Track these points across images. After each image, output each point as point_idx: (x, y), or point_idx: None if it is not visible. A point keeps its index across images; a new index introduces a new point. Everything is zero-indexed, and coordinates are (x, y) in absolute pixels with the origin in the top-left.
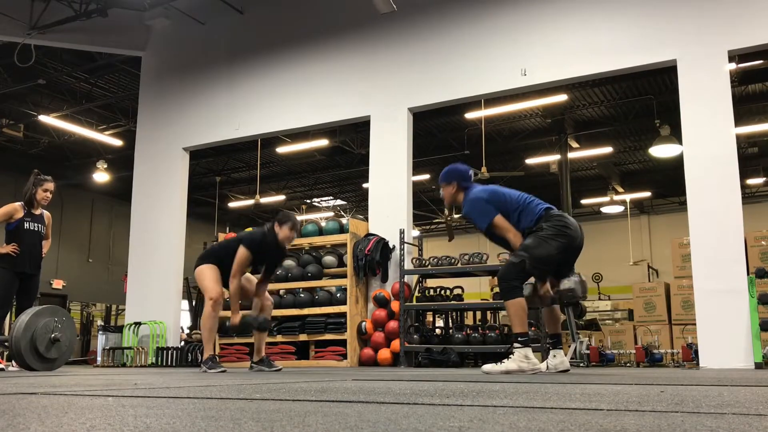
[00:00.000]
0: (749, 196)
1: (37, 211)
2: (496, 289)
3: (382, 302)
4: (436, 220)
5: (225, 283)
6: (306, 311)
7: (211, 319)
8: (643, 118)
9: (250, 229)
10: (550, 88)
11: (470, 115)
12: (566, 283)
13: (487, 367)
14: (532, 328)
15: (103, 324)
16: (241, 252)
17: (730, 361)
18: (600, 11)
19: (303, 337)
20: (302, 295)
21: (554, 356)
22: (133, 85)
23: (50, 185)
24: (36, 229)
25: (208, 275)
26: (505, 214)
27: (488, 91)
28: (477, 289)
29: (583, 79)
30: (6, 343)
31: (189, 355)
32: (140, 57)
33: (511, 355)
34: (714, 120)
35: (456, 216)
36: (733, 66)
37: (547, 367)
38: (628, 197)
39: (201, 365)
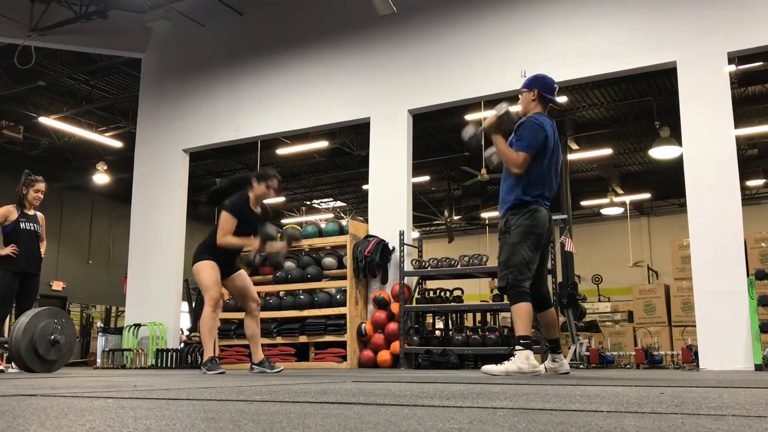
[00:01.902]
0: (749, 198)
1: (30, 212)
2: (496, 291)
3: (381, 304)
4: (436, 222)
5: (224, 276)
6: (306, 313)
7: (210, 320)
8: (642, 119)
9: None
10: None
11: (470, 117)
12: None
13: (488, 367)
14: (533, 331)
15: (102, 326)
16: (224, 216)
17: (730, 363)
18: (600, 13)
19: (303, 339)
20: (302, 297)
21: (554, 360)
22: (133, 86)
23: (41, 185)
24: (32, 229)
25: (206, 273)
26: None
27: (488, 93)
28: (477, 291)
29: (583, 80)
30: (6, 345)
31: (189, 356)
32: (140, 59)
33: (512, 357)
34: (714, 121)
35: (456, 217)
36: (732, 68)
37: (546, 369)
38: (627, 199)
39: (201, 367)
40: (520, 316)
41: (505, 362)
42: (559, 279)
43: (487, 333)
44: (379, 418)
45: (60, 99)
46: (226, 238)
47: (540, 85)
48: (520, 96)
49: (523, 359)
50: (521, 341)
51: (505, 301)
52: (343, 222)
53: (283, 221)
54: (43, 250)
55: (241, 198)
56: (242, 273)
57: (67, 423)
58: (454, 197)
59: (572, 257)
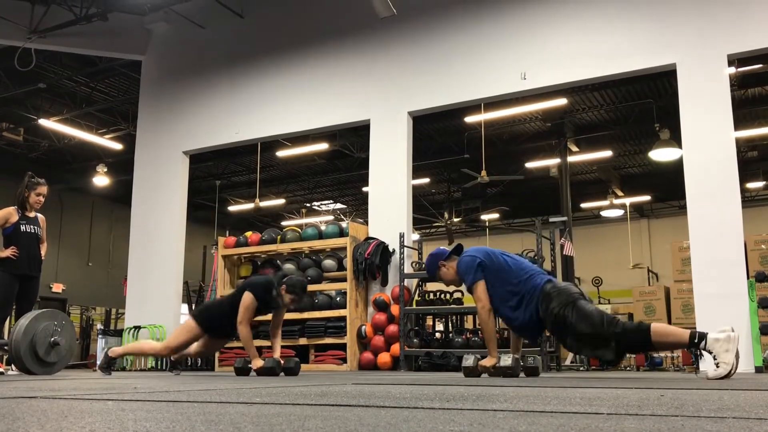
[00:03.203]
0: (749, 200)
1: (31, 214)
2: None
3: (381, 306)
4: (436, 224)
5: (208, 344)
6: (306, 315)
7: (156, 353)
8: (642, 121)
9: (247, 270)
10: (550, 92)
11: (470, 119)
12: (506, 360)
13: (713, 373)
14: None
15: (102, 328)
16: (247, 297)
17: None
18: (600, 15)
19: (303, 341)
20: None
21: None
22: (133, 88)
23: (43, 189)
24: (32, 231)
25: (184, 332)
26: (500, 278)
27: (488, 95)
28: None
29: (583, 83)
30: (5, 347)
31: (188, 359)
32: (140, 61)
33: (714, 362)
34: (714, 124)
35: (456, 219)
36: (732, 70)
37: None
38: (627, 201)
39: (99, 368)
40: (661, 334)
41: (716, 366)
42: (560, 281)
43: None
44: (379, 420)
45: (60, 101)
46: (243, 328)
47: (442, 257)
48: (442, 273)
49: (723, 345)
50: (695, 341)
51: None
52: (343, 224)
53: (284, 223)
54: (43, 252)
55: (266, 291)
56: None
57: (67, 425)
58: (454, 199)
59: (572, 260)
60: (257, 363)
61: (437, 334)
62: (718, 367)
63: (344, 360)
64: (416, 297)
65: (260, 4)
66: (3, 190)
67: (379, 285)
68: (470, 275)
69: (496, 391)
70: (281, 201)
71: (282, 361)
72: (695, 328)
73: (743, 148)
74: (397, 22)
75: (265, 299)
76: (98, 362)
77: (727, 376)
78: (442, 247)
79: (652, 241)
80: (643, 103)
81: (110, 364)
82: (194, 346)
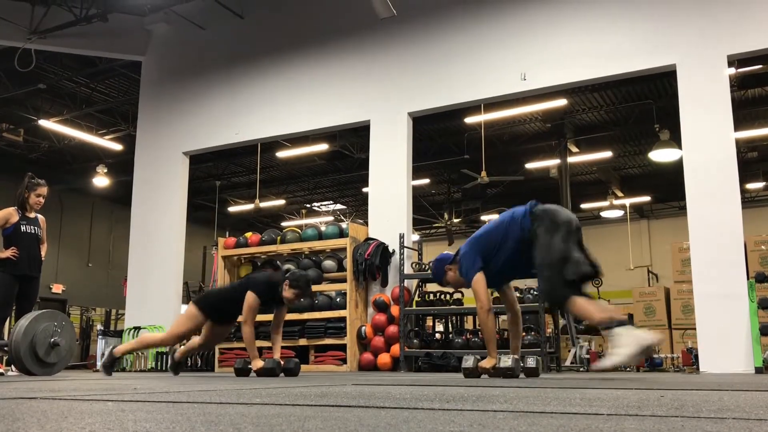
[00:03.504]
0: (749, 201)
1: (32, 215)
2: (496, 294)
3: (381, 307)
4: (436, 225)
5: (211, 333)
6: (306, 316)
7: (161, 342)
8: (642, 122)
9: (247, 269)
10: (549, 93)
11: (470, 120)
12: (506, 361)
13: (602, 363)
14: (533, 333)
15: (102, 328)
16: (250, 297)
17: (731, 366)
18: (600, 16)
19: (303, 342)
20: (302, 300)
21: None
22: (133, 89)
23: (43, 189)
24: (33, 232)
25: (187, 319)
26: (492, 245)
27: (488, 96)
28: None
29: (583, 83)
30: (5, 348)
31: (188, 359)
32: (140, 62)
33: (615, 342)
34: (714, 124)
35: (456, 220)
36: (732, 70)
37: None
38: (627, 202)
39: (101, 366)
40: (583, 307)
41: (611, 352)
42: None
43: None
44: (379, 421)
45: (60, 102)
46: (247, 328)
47: (446, 261)
48: (449, 277)
49: (627, 337)
50: (611, 324)
51: (502, 304)
52: (343, 225)
53: (283, 224)
54: (43, 252)
55: (270, 289)
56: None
57: (66, 426)
58: (454, 200)
59: None
60: (257, 364)
61: (437, 335)
62: (609, 356)
63: (344, 361)
64: (416, 298)
65: (260, 5)
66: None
67: (379, 286)
68: (471, 271)
69: (496, 392)
70: (281, 202)
71: (282, 362)
72: (695, 329)
73: (743, 148)
74: (397, 23)
75: (268, 298)
76: (101, 361)
77: (612, 369)
78: (446, 252)
79: (652, 241)
80: (643, 104)
81: (113, 364)
82: (198, 338)
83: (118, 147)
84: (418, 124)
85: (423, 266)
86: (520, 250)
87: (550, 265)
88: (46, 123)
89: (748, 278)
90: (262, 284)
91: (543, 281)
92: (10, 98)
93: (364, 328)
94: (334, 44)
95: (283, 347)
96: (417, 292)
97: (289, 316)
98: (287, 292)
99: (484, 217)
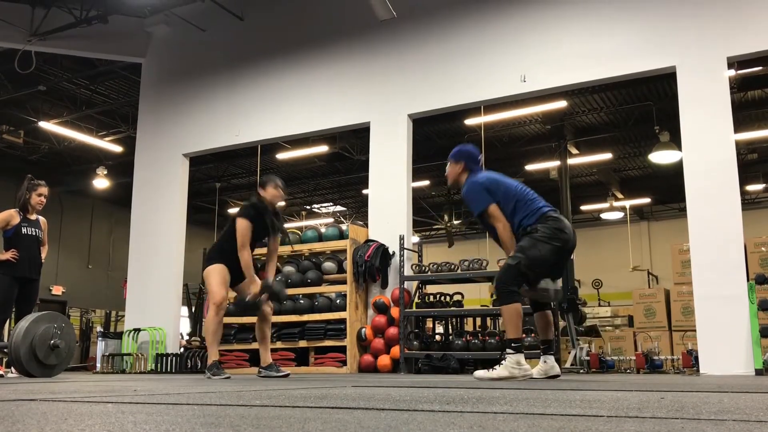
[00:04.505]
0: (749, 202)
1: (33, 217)
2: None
3: (381, 308)
4: (436, 227)
5: (234, 280)
6: (306, 317)
7: (213, 323)
8: (642, 124)
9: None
10: (549, 95)
11: (470, 121)
12: (543, 284)
13: (479, 373)
14: (532, 335)
15: (102, 330)
16: (240, 223)
17: (731, 368)
18: (599, 18)
19: (303, 344)
20: (302, 302)
21: (545, 362)
22: (133, 91)
23: (44, 190)
24: (34, 233)
25: (213, 277)
26: (502, 202)
27: (488, 98)
28: (477, 296)
29: (583, 85)
30: (5, 350)
31: (188, 361)
32: (140, 63)
33: (503, 362)
34: (713, 126)
35: (456, 222)
36: (732, 72)
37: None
38: (627, 203)
39: (205, 371)
40: (511, 318)
41: (496, 367)
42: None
43: (487, 338)
44: (379, 423)
45: (60, 104)
46: (244, 253)
47: (465, 158)
48: (447, 167)
49: (513, 363)
50: (512, 344)
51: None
52: (343, 226)
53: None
54: (44, 255)
55: (252, 207)
56: (256, 278)
57: (66, 428)
58: (454, 202)
59: (572, 262)
60: (254, 289)
61: (437, 337)
62: (493, 369)
63: (344, 362)
64: (416, 299)
65: (260, 7)
66: (3, 193)
67: (379, 287)
68: (479, 203)
69: (496, 394)
70: (281, 203)
71: (272, 283)
72: (695, 330)
73: (743, 150)
74: (396, 25)
75: (258, 220)
76: (208, 374)
77: (489, 378)
78: (469, 148)
79: (652, 243)
80: (642, 106)
81: (218, 366)
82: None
83: (118, 149)
84: (418, 125)
85: (423, 268)
86: (511, 222)
87: (525, 263)
88: (46, 125)
89: (748, 280)
90: (247, 207)
91: (505, 268)
92: (10, 100)
93: (364, 329)
94: (334, 46)
95: (283, 349)
96: (417, 294)
97: (289, 318)
98: (265, 194)
99: None
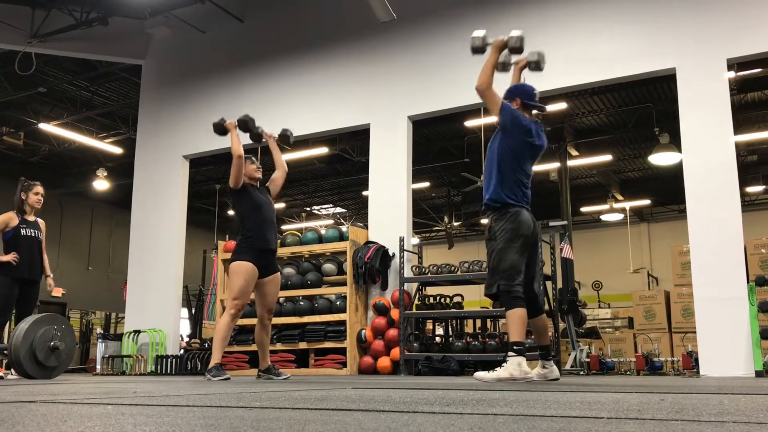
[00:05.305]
0: (749, 204)
1: (31, 218)
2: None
3: (381, 310)
4: (436, 228)
5: (260, 275)
6: (306, 319)
7: (225, 329)
8: (642, 126)
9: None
10: (549, 96)
11: (470, 123)
12: (531, 56)
13: (479, 374)
14: (532, 336)
15: (102, 332)
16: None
17: (731, 369)
18: (599, 20)
19: (303, 345)
20: (302, 303)
21: (544, 367)
22: (133, 93)
23: (39, 188)
24: (33, 235)
25: (241, 278)
26: (505, 149)
27: None
28: (477, 297)
29: (583, 87)
30: (5, 351)
31: (188, 363)
32: (140, 65)
33: (504, 363)
34: (713, 128)
35: (455, 223)
36: (732, 74)
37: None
38: (627, 205)
39: (206, 373)
40: (515, 321)
41: (497, 369)
42: (559, 285)
43: (487, 339)
44: (379, 424)
45: (60, 105)
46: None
47: (521, 94)
48: (494, 96)
49: (515, 366)
50: (514, 347)
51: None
52: (343, 228)
53: (283, 227)
54: (46, 262)
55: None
56: (275, 279)
57: (66, 429)
58: (454, 203)
59: (572, 264)
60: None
61: (437, 339)
62: (494, 371)
63: (344, 364)
64: (416, 301)
65: (260, 9)
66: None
67: (379, 289)
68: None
69: (496, 395)
70: (281, 205)
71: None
72: (695, 332)
73: (743, 152)
74: (396, 27)
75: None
76: (208, 376)
77: (489, 381)
78: (525, 86)
79: (652, 245)
80: (642, 108)
81: (219, 368)
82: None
83: (118, 150)
84: (417, 127)
85: (423, 269)
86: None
87: (499, 271)
88: (46, 126)
89: (748, 281)
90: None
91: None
92: (10, 101)
93: (364, 331)
94: (334, 48)
95: (283, 351)
96: (417, 296)
97: (289, 320)
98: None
99: (484, 221)
